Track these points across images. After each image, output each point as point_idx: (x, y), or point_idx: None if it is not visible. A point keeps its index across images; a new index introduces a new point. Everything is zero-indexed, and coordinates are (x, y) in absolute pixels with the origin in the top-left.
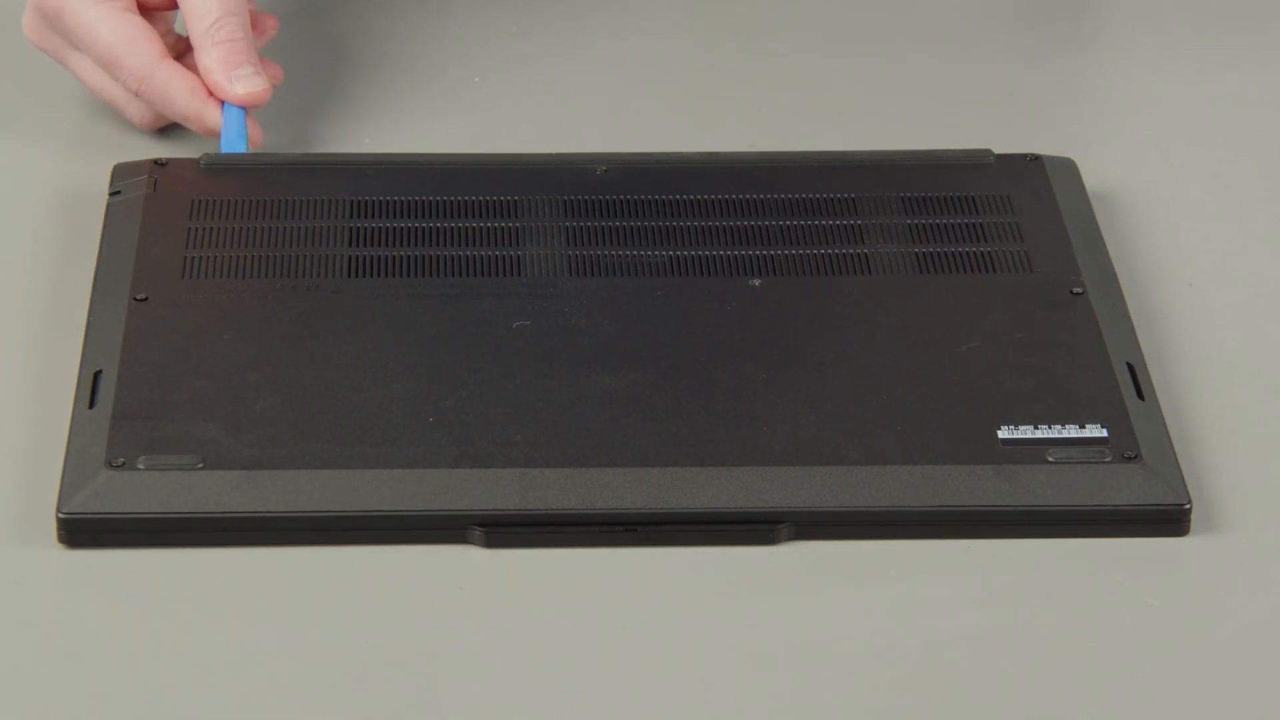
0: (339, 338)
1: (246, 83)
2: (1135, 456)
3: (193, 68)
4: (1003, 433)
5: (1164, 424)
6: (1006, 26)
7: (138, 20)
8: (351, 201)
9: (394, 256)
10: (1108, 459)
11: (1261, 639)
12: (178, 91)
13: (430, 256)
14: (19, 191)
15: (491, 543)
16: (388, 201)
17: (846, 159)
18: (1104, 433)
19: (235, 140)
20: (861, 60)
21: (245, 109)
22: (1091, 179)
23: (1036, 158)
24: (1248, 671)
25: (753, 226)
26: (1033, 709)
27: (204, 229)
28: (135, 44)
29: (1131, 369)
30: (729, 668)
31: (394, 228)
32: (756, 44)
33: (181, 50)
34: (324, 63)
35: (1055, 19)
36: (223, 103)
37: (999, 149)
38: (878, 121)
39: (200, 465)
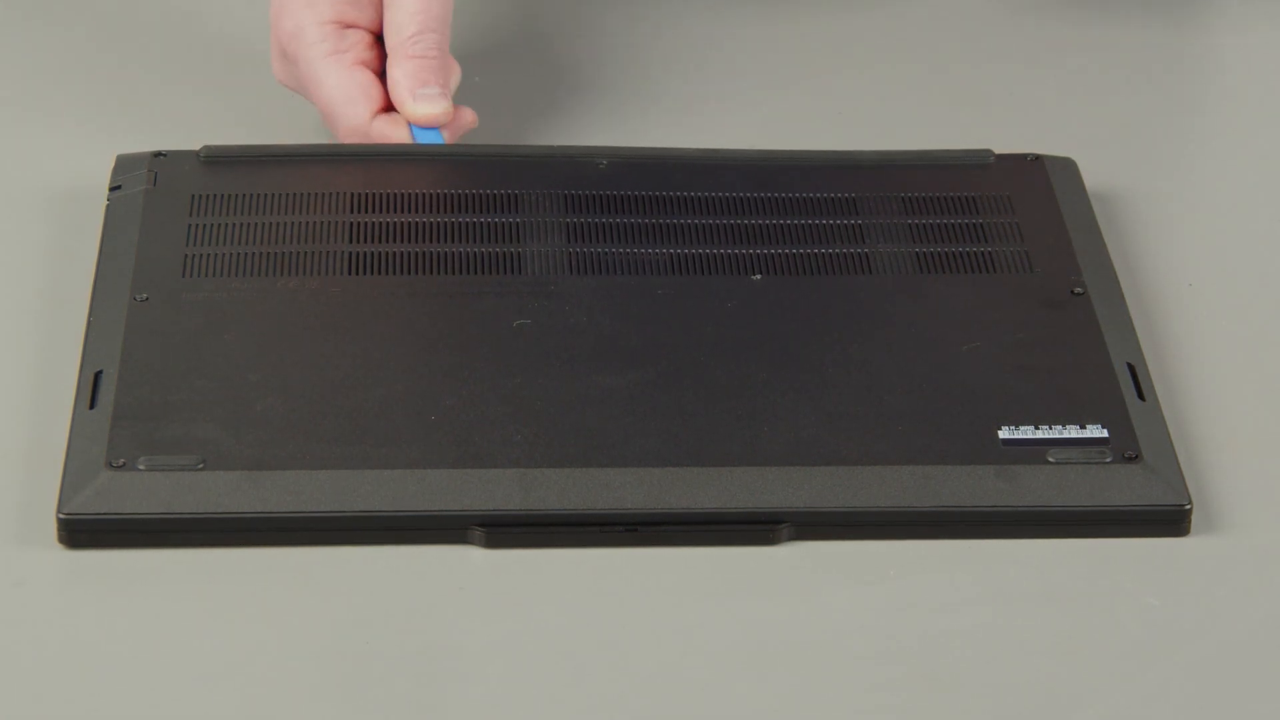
0: (339, 337)
1: (429, 103)
2: (1136, 457)
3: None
4: (1003, 433)
5: (1164, 424)
6: (1006, 26)
7: (361, 77)
8: (352, 195)
9: (394, 253)
10: (1108, 459)
11: (1261, 639)
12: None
13: (430, 253)
14: (19, 187)
15: (491, 543)
16: (388, 195)
17: (847, 158)
18: (1104, 433)
19: None
20: (861, 60)
21: (437, 130)
22: (1091, 179)
23: (1036, 158)
24: (1248, 671)
25: (754, 225)
26: (1033, 709)
27: (204, 225)
28: (352, 104)
29: (1132, 369)
30: (729, 668)
31: (394, 223)
32: (758, 43)
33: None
34: None
35: (1055, 19)
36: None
37: (999, 149)
38: (878, 121)
39: (201, 465)
